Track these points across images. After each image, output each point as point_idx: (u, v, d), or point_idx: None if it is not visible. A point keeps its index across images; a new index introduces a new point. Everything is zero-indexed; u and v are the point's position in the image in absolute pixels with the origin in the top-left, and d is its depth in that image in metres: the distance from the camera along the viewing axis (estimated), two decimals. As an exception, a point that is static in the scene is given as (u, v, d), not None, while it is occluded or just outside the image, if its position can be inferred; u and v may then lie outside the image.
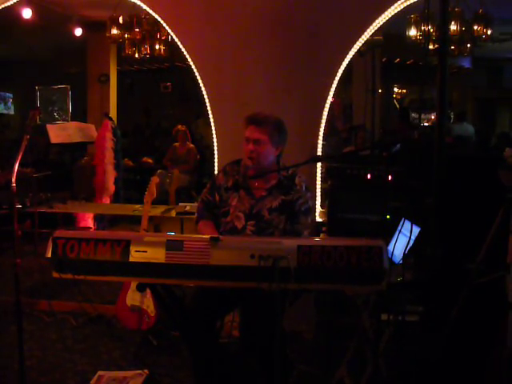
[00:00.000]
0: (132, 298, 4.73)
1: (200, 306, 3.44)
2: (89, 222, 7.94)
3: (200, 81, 5.30)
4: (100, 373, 4.27)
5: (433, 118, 13.48)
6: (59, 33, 9.95)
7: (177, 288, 3.23)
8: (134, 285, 4.67)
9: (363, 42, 5.03)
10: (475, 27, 7.75)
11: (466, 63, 13.68)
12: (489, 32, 7.75)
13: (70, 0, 8.72)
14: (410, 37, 7.77)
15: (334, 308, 4.42)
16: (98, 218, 8.03)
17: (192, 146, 10.00)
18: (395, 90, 15.86)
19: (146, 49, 9.22)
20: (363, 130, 8.12)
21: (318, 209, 5.17)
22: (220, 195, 3.72)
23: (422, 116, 14.26)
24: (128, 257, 2.68)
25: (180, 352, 4.60)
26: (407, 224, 3.51)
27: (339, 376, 3.92)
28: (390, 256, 2.85)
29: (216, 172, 4.90)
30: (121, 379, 4.20)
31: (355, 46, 4.98)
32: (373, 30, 5.00)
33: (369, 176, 4.49)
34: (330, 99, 5.05)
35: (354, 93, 10.29)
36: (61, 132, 8.49)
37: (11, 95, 17.14)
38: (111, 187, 7.94)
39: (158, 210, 5.88)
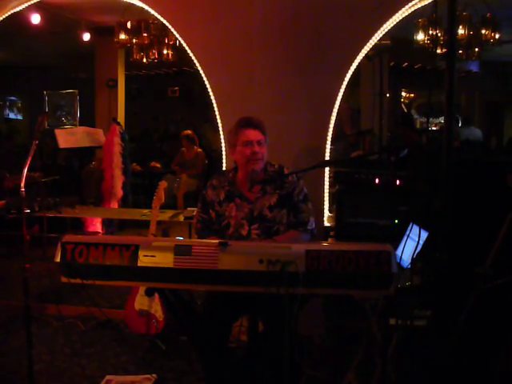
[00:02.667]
0: (140, 302, 4.74)
1: (210, 312, 3.45)
2: (97, 226, 7.96)
3: (208, 85, 5.31)
4: (108, 377, 4.28)
5: (441, 122, 13.46)
6: (67, 38, 10.01)
7: (185, 292, 3.23)
8: (142, 289, 4.68)
9: (371, 46, 5.03)
10: (483, 31, 7.74)
11: (474, 67, 13.66)
12: (497, 36, 7.74)
13: (78, 5, 8.74)
14: (417, 41, 7.77)
15: (343, 313, 4.42)
16: (107, 223, 8.04)
17: (200, 150, 9.98)
18: (403, 94, 15.85)
19: (154, 54, 9.24)
20: (371, 134, 8.12)
21: (326, 213, 5.16)
22: (215, 211, 3.75)
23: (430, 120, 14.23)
24: (136, 261, 2.69)
25: (188, 357, 4.60)
26: (415, 228, 3.50)
27: (347, 381, 3.91)
28: (398, 260, 2.84)
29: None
30: (129, 383, 4.20)
31: (363, 50, 4.98)
32: (381, 35, 4.99)
33: (377, 180, 4.49)
34: (337, 104, 5.05)
35: (361, 97, 10.30)
36: (69, 137, 8.52)
37: (15, 99, 17.22)
38: (119, 192, 7.95)
39: (166, 215, 5.88)
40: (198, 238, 3.80)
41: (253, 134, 3.67)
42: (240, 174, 3.77)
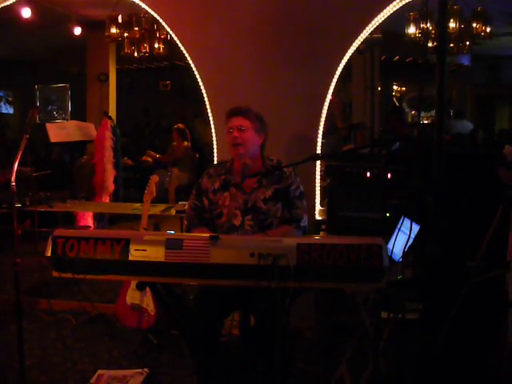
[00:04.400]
0: (132, 296, 4.73)
1: (202, 306, 3.45)
2: (89, 220, 7.94)
3: (199, 79, 5.31)
4: (100, 372, 4.27)
5: (432, 115, 13.48)
6: (58, 32, 9.95)
7: (177, 286, 3.22)
8: (133, 283, 4.66)
9: (362, 40, 5.03)
10: (474, 25, 7.75)
11: (465, 61, 13.67)
12: (488, 29, 7.74)
13: (69, -1, 8.72)
14: (409, 35, 7.76)
15: (334, 306, 4.42)
16: (98, 217, 8.03)
17: (187, 144, 9.91)
18: (394, 87, 15.87)
19: (146, 47, 9.21)
20: (363, 128, 8.11)
21: (318, 207, 5.16)
22: (208, 199, 3.74)
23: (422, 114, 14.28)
24: (128, 255, 2.68)
25: (180, 351, 4.60)
26: (407, 222, 3.51)
27: (339, 374, 3.92)
28: (389, 254, 2.85)
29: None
30: (121, 378, 4.20)
31: (354, 44, 4.98)
32: (372, 28, 5.00)
33: (368, 174, 4.49)
34: (329, 97, 5.05)
35: (353, 91, 10.28)
36: (60, 131, 8.48)
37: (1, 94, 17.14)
38: (111, 186, 7.94)
39: (158, 209, 5.88)
40: (188, 224, 3.79)
41: (234, 120, 3.67)
42: (236, 164, 3.76)
